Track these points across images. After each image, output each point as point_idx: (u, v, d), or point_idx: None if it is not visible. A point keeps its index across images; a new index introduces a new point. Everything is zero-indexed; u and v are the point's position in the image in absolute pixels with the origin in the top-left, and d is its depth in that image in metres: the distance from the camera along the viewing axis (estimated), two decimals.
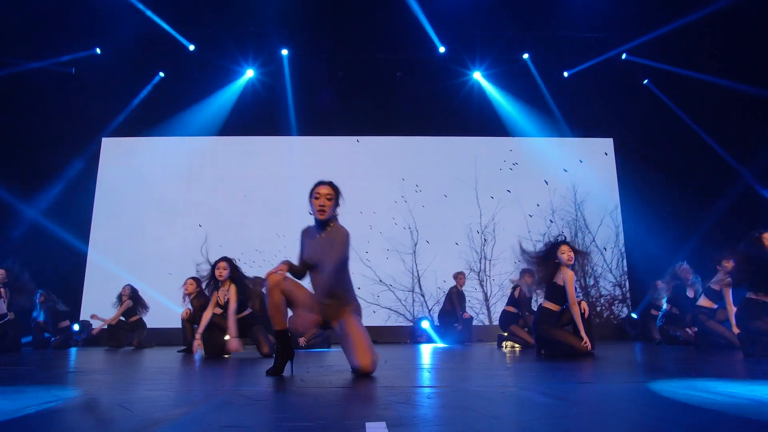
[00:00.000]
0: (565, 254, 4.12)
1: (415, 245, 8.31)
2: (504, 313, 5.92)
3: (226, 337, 5.00)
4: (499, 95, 8.71)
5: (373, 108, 8.72)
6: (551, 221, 8.44)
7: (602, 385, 2.29)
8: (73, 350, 6.22)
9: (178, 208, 8.31)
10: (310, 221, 2.96)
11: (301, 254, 2.91)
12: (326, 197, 2.84)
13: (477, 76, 8.66)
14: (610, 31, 8.05)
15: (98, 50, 8.06)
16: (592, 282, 8.28)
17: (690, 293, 5.74)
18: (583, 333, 4.03)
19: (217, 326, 4.85)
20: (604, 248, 8.41)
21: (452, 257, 8.01)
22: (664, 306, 5.96)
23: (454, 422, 1.44)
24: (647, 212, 8.22)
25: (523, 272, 5.90)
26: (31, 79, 7.83)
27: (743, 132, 7.64)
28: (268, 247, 7.65)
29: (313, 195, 2.86)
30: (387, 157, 8.61)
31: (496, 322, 6.48)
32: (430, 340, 7.31)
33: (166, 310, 7.07)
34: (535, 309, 4.79)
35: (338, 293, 2.80)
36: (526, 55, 8.48)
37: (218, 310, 4.95)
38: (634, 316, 7.60)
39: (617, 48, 8.26)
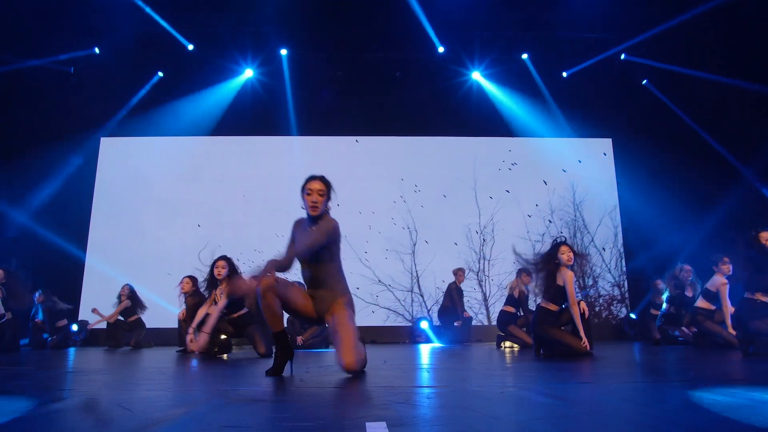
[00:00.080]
0: (564, 254, 4.14)
1: (414, 245, 8.31)
2: (502, 313, 5.92)
3: (223, 337, 5.00)
4: (498, 95, 8.72)
5: (372, 108, 8.71)
6: (550, 221, 8.44)
7: (602, 385, 2.29)
8: (72, 350, 6.21)
9: (177, 208, 8.30)
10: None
11: (290, 245, 2.88)
12: (318, 193, 2.81)
13: (476, 76, 8.66)
14: (609, 32, 8.06)
15: (97, 50, 8.04)
16: (591, 282, 8.29)
17: (689, 293, 5.76)
18: (582, 333, 4.03)
19: (216, 327, 4.84)
20: (603, 248, 8.42)
21: (451, 257, 8.01)
22: (664, 306, 5.97)
23: (454, 422, 1.44)
24: (646, 212, 8.22)
25: (520, 272, 5.92)
26: (29, 78, 7.81)
27: (745, 130, 7.60)
28: (267, 247, 7.63)
29: (305, 191, 2.84)
30: (386, 157, 8.61)
31: (495, 322, 6.48)
32: (428, 341, 7.31)
33: (165, 310, 7.06)
34: (534, 309, 4.80)
35: (328, 282, 2.79)
36: (525, 55, 8.48)
37: (213, 310, 4.95)
38: (632, 316, 7.61)
39: (616, 48, 8.26)
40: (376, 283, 8.11)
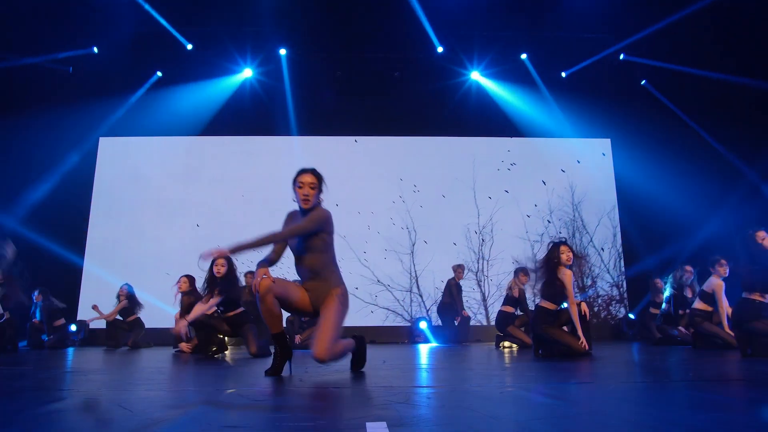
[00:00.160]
0: (564, 254, 4.16)
1: (413, 245, 8.32)
2: (501, 313, 5.92)
3: (220, 336, 4.99)
4: (497, 95, 8.72)
5: (371, 108, 8.71)
6: (549, 221, 8.45)
7: (601, 385, 2.30)
8: (70, 350, 6.19)
9: (175, 208, 8.29)
10: None
11: None
12: (310, 186, 2.81)
13: (475, 76, 8.66)
14: (608, 32, 8.06)
15: (95, 49, 8.03)
16: (589, 282, 8.30)
17: (689, 294, 5.77)
18: (580, 333, 4.04)
19: (210, 326, 4.84)
20: (602, 249, 8.43)
21: (450, 257, 8.00)
22: (663, 305, 5.99)
23: (454, 422, 1.45)
24: (645, 213, 8.24)
25: (518, 271, 5.92)
26: (27, 77, 7.80)
27: (748, 129, 7.57)
28: (266, 247, 7.63)
29: (296, 184, 2.85)
30: (385, 157, 8.61)
31: (493, 322, 6.48)
32: (427, 341, 7.31)
33: (163, 310, 7.04)
34: (533, 309, 4.81)
35: (322, 273, 2.78)
36: (524, 55, 8.48)
37: (211, 310, 4.95)
38: (631, 316, 7.62)
39: (615, 48, 8.27)
40: (375, 283, 8.11)
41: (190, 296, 5.41)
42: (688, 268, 5.80)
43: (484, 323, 7.98)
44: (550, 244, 4.35)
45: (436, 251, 8.19)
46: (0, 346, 5.61)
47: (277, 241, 2.78)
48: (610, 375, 2.78)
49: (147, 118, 8.45)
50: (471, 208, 8.45)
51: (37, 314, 6.73)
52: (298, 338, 6.14)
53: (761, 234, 3.93)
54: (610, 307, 8.24)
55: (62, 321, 6.80)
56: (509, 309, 5.84)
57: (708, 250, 5.42)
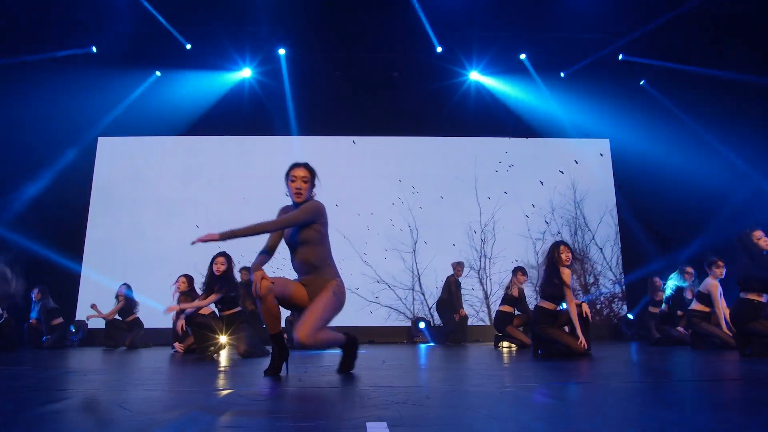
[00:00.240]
0: (563, 254, 4.18)
1: (415, 244, 8.32)
2: (499, 313, 5.92)
3: (223, 338, 4.99)
4: (496, 96, 8.72)
5: (370, 108, 8.71)
6: (547, 222, 8.46)
7: (601, 385, 2.30)
8: (69, 350, 6.19)
9: (175, 208, 8.28)
10: None
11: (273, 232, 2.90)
12: (302, 180, 2.82)
13: (474, 76, 8.67)
14: (607, 32, 8.06)
15: (94, 49, 8.02)
16: (591, 280, 8.31)
17: (689, 295, 5.78)
18: (579, 332, 4.05)
19: (208, 326, 4.83)
20: (603, 247, 8.43)
21: (452, 255, 7.98)
22: (663, 305, 6.00)
23: (454, 422, 1.45)
24: (644, 214, 8.24)
25: (516, 271, 5.92)
26: (26, 76, 7.78)
27: (752, 128, 7.55)
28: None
29: (289, 177, 2.85)
30: (384, 157, 8.61)
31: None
32: (427, 340, 7.32)
33: (163, 308, 7.03)
34: (532, 309, 4.81)
35: (318, 267, 2.77)
36: (523, 56, 8.49)
37: (209, 310, 4.95)
38: (630, 316, 7.63)
39: (614, 48, 8.26)
40: (377, 282, 8.11)
41: (188, 296, 5.40)
42: (689, 269, 5.81)
43: (487, 322, 7.97)
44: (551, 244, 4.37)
45: (438, 249, 8.19)
46: (0, 346, 5.60)
47: (269, 230, 2.77)
48: (609, 375, 2.78)
49: (146, 117, 8.43)
50: (472, 206, 8.46)
51: (35, 313, 6.72)
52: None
53: (757, 234, 3.92)
54: (612, 305, 8.25)
55: (60, 320, 6.78)
56: (508, 309, 5.84)
57: (708, 250, 5.42)
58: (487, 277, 8.23)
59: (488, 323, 7.90)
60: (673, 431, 1.32)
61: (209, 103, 8.45)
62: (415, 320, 7.76)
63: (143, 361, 4.28)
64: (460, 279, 7.25)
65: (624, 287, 8.26)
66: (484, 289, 8.21)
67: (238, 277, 5.63)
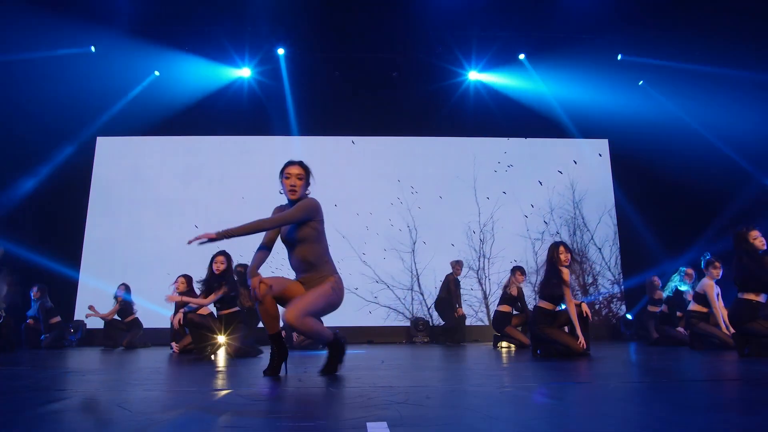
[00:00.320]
0: (562, 255, 4.19)
1: (414, 244, 8.33)
2: (497, 313, 5.92)
3: (221, 338, 4.99)
4: (495, 95, 8.72)
5: (369, 108, 8.71)
6: (546, 221, 8.46)
7: (600, 385, 2.30)
8: (67, 350, 6.18)
9: (174, 207, 8.28)
10: None
11: (268, 231, 2.90)
12: (297, 177, 2.82)
13: (473, 76, 8.67)
14: (606, 32, 8.07)
15: (93, 48, 8.00)
16: (590, 280, 8.32)
17: (689, 296, 5.80)
18: (579, 332, 4.05)
19: (205, 326, 4.83)
20: (602, 246, 8.44)
21: (452, 255, 7.99)
22: (662, 306, 6.02)
23: (454, 422, 1.45)
24: (643, 214, 8.25)
25: (514, 270, 5.93)
26: (23, 76, 7.76)
27: (752, 128, 7.54)
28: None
29: (283, 175, 2.86)
30: (383, 157, 8.61)
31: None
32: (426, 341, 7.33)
33: (161, 310, 7.03)
34: (531, 309, 4.82)
35: (316, 265, 2.77)
36: (522, 56, 8.49)
37: (207, 310, 4.95)
38: (628, 317, 7.65)
39: (613, 48, 8.27)
40: (375, 282, 8.11)
41: (187, 296, 5.39)
42: (689, 270, 5.82)
43: (485, 322, 7.98)
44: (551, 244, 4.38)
45: (437, 249, 8.20)
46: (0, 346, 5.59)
47: (266, 228, 2.76)
48: (608, 375, 2.78)
49: (145, 117, 8.42)
50: (471, 206, 8.47)
51: (33, 311, 6.70)
52: (295, 337, 6.14)
53: (754, 233, 3.92)
54: (611, 305, 8.26)
55: (58, 319, 6.76)
56: (506, 308, 5.84)
57: (710, 251, 5.42)
58: (486, 277, 8.24)
59: (487, 323, 7.90)
60: (672, 431, 1.32)
61: (208, 102, 8.43)
62: (414, 320, 7.76)
63: (142, 361, 4.27)
64: (459, 278, 7.25)
65: (622, 287, 8.27)
66: (483, 289, 8.22)
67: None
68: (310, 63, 8.51)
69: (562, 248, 4.21)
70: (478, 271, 8.25)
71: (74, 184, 8.19)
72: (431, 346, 6.75)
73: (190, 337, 5.15)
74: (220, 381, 2.72)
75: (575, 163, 8.70)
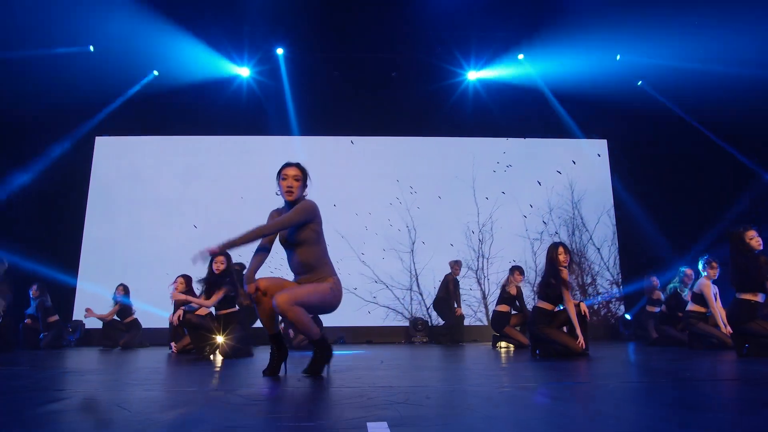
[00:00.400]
0: (561, 255, 4.20)
1: (413, 244, 8.33)
2: (495, 313, 5.92)
3: (220, 339, 4.98)
4: (494, 96, 8.73)
5: (368, 108, 8.71)
6: (545, 221, 8.47)
7: (599, 385, 2.30)
8: (66, 350, 6.16)
9: (173, 207, 8.27)
10: None
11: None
12: (294, 178, 2.82)
13: (472, 76, 8.67)
14: (604, 32, 8.06)
15: (91, 48, 7.98)
16: (589, 280, 8.34)
17: (688, 297, 5.81)
18: (578, 332, 4.05)
19: (204, 327, 4.82)
20: (600, 247, 8.45)
21: (450, 255, 8.00)
22: (662, 306, 6.02)
23: (454, 422, 1.45)
24: (642, 215, 8.26)
25: (513, 269, 5.93)
26: (22, 76, 7.74)
27: (756, 126, 7.52)
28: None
29: (280, 176, 2.86)
30: (382, 157, 8.61)
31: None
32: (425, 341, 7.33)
33: (160, 310, 7.03)
34: (530, 308, 4.83)
35: (315, 267, 2.77)
36: (521, 56, 8.50)
37: (205, 310, 4.94)
38: (627, 317, 7.66)
39: (612, 49, 8.27)
40: (374, 282, 8.11)
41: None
42: (689, 271, 5.83)
43: (484, 322, 7.98)
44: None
45: (436, 249, 8.20)
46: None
47: (265, 234, 2.75)
48: (607, 375, 2.79)
49: (144, 117, 8.42)
50: (470, 206, 8.47)
51: (31, 309, 6.68)
52: (291, 333, 6.14)
53: (750, 233, 3.92)
54: (610, 305, 8.27)
55: (56, 317, 6.74)
56: (504, 308, 5.84)
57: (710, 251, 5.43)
58: (485, 277, 8.25)
59: (486, 323, 7.91)
60: (671, 431, 1.32)
61: (207, 102, 8.42)
62: (413, 320, 7.76)
63: (141, 361, 4.27)
64: (457, 278, 7.25)
65: (621, 287, 8.28)
66: (482, 289, 8.22)
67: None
68: (310, 63, 8.51)
69: (561, 249, 4.23)
70: (477, 271, 8.26)
71: (73, 184, 8.17)
72: (430, 346, 6.75)
73: (188, 337, 5.15)
74: (220, 381, 2.72)
75: (574, 163, 8.72)
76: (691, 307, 5.16)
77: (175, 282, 5.64)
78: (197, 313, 4.90)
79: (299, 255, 2.77)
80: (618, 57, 8.42)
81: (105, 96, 8.28)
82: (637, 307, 7.12)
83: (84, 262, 7.96)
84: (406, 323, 7.91)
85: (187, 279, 5.55)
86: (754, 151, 7.73)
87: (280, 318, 2.79)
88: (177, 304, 5.27)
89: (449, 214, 8.37)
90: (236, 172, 8.38)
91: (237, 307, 5.03)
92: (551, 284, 4.18)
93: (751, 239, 3.90)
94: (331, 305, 2.77)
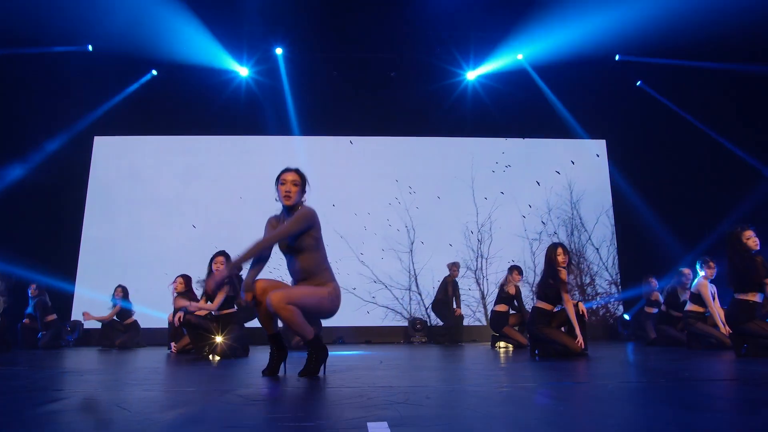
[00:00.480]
0: (560, 256, 4.21)
1: (412, 244, 8.33)
2: (494, 313, 5.93)
3: (219, 339, 4.98)
4: (493, 96, 8.73)
5: (367, 108, 8.71)
6: (544, 221, 8.48)
7: (598, 385, 2.31)
8: (64, 350, 6.15)
9: (172, 207, 8.26)
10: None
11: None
12: (292, 183, 2.80)
13: (471, 76, 8.68)
14: (604, 32, 8.07)
15: (90, 47, 7.97)
16: (588, 280, 8.34)
17: (687, 297, 5.81)
18: (578, 332, 4.06)
19: (203, 327, 4.82)
20: (599, 247, 8.46)
21: (449, 255, 8.01)
22: (661, 306, 6.03)
23: (454, 422, 1.45)
24: (641, 215, 8.27)
25: (512, 269, 5.94)
26: (21, 75, 7.73)
27: (757, 125, 7.51)
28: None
29: (279, 181, 2.85)
30: (381, 157, 8.61)
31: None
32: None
33: (160, 310, 7.01)
34: (529, 308, 4.83)
35: (314, 273, 2.76)
36: (520, 56, 8.50)
37: (204, 312, 4.94)
38: (626, 317, 7.66)
39: (611, 49, 8.28)
40: (373, 282, 8.11)
41: (185, 296, 5.39)
42: (686, 271, 5.84)
43: (483, 322, 7.99)
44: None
45: (435, 249, 8.21)
46: None
47: (267, 246, 2.76)
48: (606, 375, 2.79)
49: (143, 116, 8.40)
50: (469, 206, 8.48)
51: (30, 308, 6.67)
52: (294, 341, 6.14)
53: (747, 233, 3.91)
54: (609, 305, 8.28)
55: (54, 316, 6.73)
56: (503, 308, 5.84)
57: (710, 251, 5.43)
58: (483, 277, 8.25)
59: (485, 323, 7.92)
60: (670, 431, 1.33)
61: (207, 102, 8.41)
62: (412, 320, 7.77)
63: (140, 361, 4.27)
64: (456, 279, 7.26)
65: (620, 287, 8.29)
66: (480, 289, 8.23)
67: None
68: (309, 63, 8.51)
69: (560, 249, 4.24)
70: (475, 271, 8.27)
71: (72, 183, 8.16)
72: (429, 346, 6.75)
73: (188, 337, 5.14)
74: (220, 381, 2.71)
75: (573, 163, 8.73)
76: (690, 307, 5.17)
77: (174, 282, 5.63)
78: (196, 313, 4.90)
79: (299, 261, 2.77)
80: (617, 57, 8.44)
81: (103, 95, 8.27)
82: (636, 308, 7.12)
83: (83, 262, 7.95)
84: (405, 323, 7.91)
85: (187, 279, 5.54)
86: (755, 150, 7.73)
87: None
88: (176, 309, 5.27)
89: (448, 214, 8.38)
90: (236, 172, 8.38)
91: (235, 308, 5.03)
92: (550, 284, 4.19)
93: (748, 239, 3.89)
94: (328, 311, 2.77)
